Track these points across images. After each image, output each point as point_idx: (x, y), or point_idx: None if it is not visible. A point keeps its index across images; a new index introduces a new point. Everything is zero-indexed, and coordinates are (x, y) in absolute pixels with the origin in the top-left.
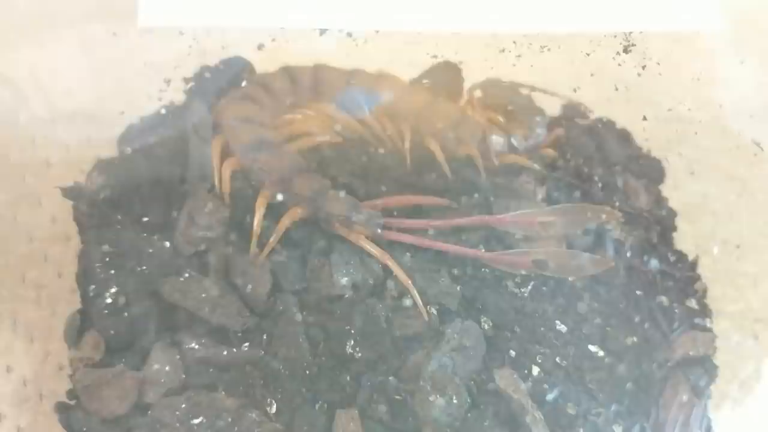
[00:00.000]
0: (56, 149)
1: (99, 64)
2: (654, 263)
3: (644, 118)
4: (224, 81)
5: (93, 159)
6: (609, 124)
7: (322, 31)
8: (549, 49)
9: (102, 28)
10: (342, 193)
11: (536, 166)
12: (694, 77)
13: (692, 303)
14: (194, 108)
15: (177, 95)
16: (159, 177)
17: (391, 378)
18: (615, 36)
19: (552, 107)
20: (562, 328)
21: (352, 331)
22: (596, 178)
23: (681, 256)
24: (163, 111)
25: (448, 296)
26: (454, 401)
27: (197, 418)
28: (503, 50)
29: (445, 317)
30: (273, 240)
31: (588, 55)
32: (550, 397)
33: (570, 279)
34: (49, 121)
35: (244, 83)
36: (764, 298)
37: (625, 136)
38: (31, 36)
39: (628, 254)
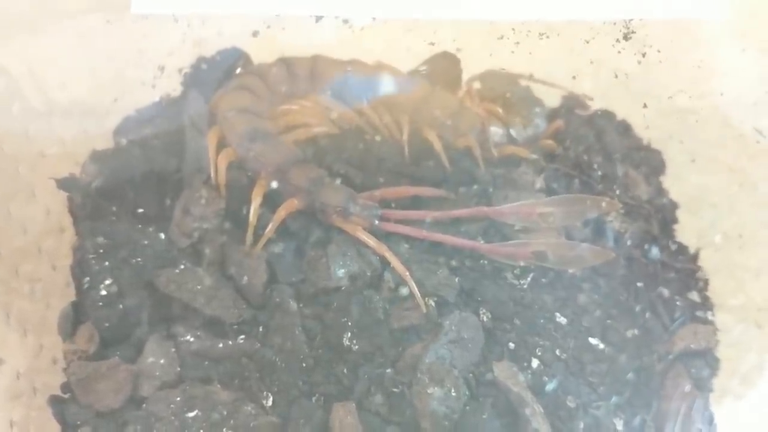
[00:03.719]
0: (51, 141)
1: (93, 53)
2: (655, 255)
3: (644, 106)
4: (220, 72)
5: (88, 150)
6: (609, 115)
7: (318, 18)
8: (548, 37)
9: (96, 16)
10: (338, 184)
11: (535, 157)
12: (694, 65)
13: (693, 295)
14: (190, 99)
15: (171, 82)
16: (154, 168)
17: (388, 370)
18: (615, 23)
19: (552, 98)
20: (562, 320)
21: (349, 323)
22: (596, 169)
23: (682, 247)
24: (159, 102)
25: (447, 288)
26: (452, 393)
27: (192, 411)
28: (502, 37)
29: (444, 309)
30: (269, 231)
31: (587, 42)
32: (549, 389)
33: (570, 270)
34: (43, 112)
35: (238, 71)
36: (766, 290)
37: (625, 127)
38: (25, 26)
39: (629, 245)
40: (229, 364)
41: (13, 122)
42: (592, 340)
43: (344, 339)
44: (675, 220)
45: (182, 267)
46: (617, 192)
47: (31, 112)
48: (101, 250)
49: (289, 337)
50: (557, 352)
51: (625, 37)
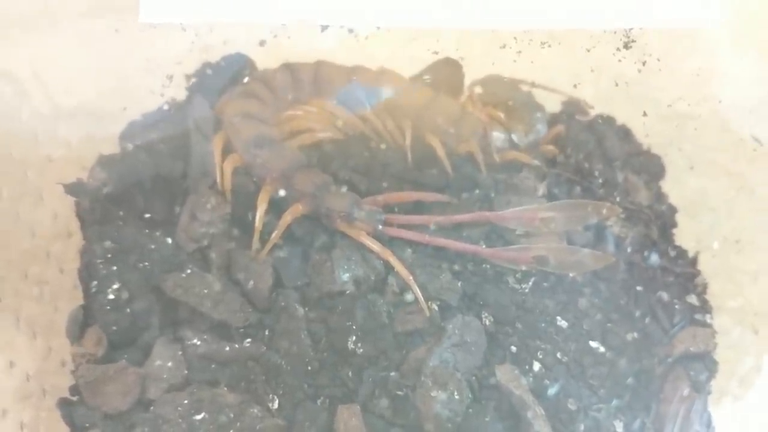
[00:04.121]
0: (58, 145)
1: (101, 60)
2: (654, 259)
3: (644, 114)
4: (226, 78)
5: (95, 155)
6: (609, 121)
7: (324, 27)
8: (549, 45)
9: (104, 24)
10: (343, 189)
11: (537, 162)
12: (693, 73)
13: (692, 299)
14: (196, 104)
15: (179, 91)
16: (161, 173)
17: (392, 373)
18: (615, 32)
19: (552, 104)
20: (563, 323)
21: (354, 327)
22: (596, 174)
23: (681, 252)
24: (165, 107)
25: (449, 292)
26: (456, 396)
27: (199, 413)
28: (504, 46)
29: (446, 313)
30: (275, 236)
31: (588, 51)
32: (551, 392)
33: (570, 275)
34: (50, 117)
35: (245, 80)
36: (764, 293)
37: (625, 133)
38: (32, 31)
39: (629, 250)
40: (235, 367)
41: (21, 127)
42: (593, 344)
43: (349, 342)
44: (674, 225)
45: (189, 271)
46: (618, 197)
47: (39, 117)
48: (109, 255)
49: (294, 340)
50: (558, 355)
51: (626, 46)
